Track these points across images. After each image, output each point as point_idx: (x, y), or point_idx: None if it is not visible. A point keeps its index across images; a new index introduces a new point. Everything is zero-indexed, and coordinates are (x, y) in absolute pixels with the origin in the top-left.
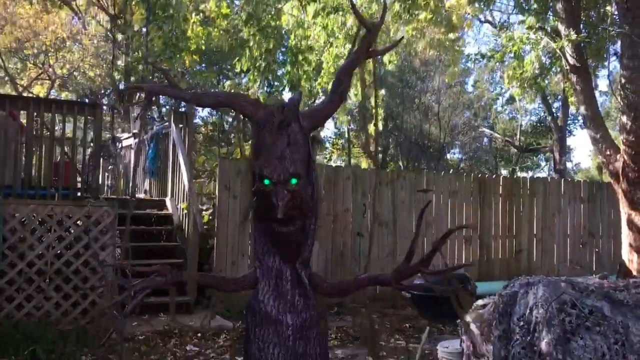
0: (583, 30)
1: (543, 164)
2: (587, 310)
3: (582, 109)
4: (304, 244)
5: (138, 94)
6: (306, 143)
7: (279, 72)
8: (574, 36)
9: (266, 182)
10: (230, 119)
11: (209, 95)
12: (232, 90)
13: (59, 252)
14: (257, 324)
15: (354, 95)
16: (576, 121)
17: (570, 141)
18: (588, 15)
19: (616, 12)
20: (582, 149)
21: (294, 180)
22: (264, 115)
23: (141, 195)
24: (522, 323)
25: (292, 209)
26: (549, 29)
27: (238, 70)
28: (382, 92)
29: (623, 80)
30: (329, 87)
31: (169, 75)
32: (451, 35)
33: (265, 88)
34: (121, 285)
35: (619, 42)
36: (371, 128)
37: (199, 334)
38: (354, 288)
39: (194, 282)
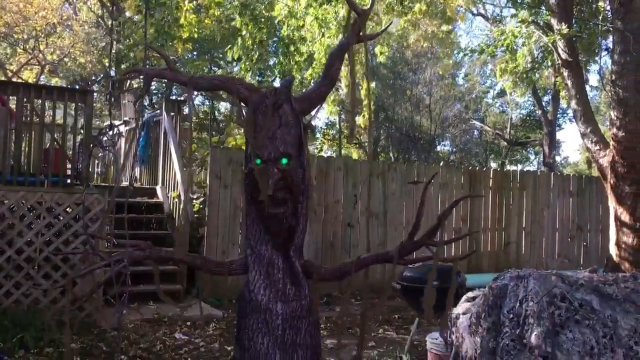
0: (575, 25)
1: (532, 157)
2: (576, 304)
3: (573, 103)
4: (295, 228)
5: (129, 82)
6: (298, 125)
7: (271, 62)
8: (565, 30)
9: (258, 161)
10: (222, 108)
11: (205, 79)
12: None
13: (48, 239)
14: (247, 313)
15: (344, 86)
16: (565, 115)
17: (559, 135)
18: (580, 10)
19: (609, 8)
20: (570, 143)
21: (284, 160)
22: (258, 98)
23: (126, 184)
24: (511, 316)
25: (282, 189)
26: (541, 22)
27: (230, 58)
28: (373, 84)
29: (614, 76)
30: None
31: (167, 58)
32: (444, 28)
33: (257, 78)
34: (101, 256)
35: (611, 38)
36: (360, 120)
37: (188, 323)
38: (356, 268)
39: (180, 262)
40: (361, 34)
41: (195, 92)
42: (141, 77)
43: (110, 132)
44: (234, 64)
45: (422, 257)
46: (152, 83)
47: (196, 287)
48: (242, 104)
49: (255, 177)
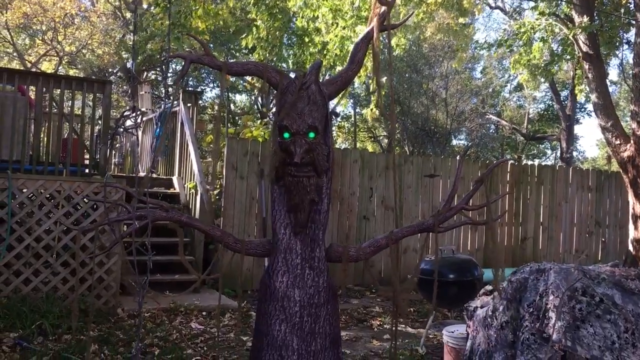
0: (596, 18)
1: (549, 152)
2: (598, 298)
3: (594, 97)
4: (319, 208)
5: (146, 73)
6: (324, 106)
7: (285, 54)
8: (587, 23)
9: (286, 135)
10: (237, 101)
11: (239, 64)
12: None
13: (66, 228)
14: (266, 299)
15: (357, 78)
16: (584, 110)
17: (576, 130)
18: (602, 3)
19: (631, 0)
20: (588, 138)
21: (311, 134)
22: (287, 81)
23: (143, 174)
24: (531, 309)
25: (308, 163)
26: (561, 15)
27: (243, 45)
28: (384, 79)
29: (636, 69)
30: (334, 69)
31: (204, 44)
32: (461, 20)
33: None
34: (125, 207)
35: (632, 31)
36: (367, 112)
37: (204, 313)
38: (389, 242)
39: (198, 229)
40: (385, 23)
41: (214, 83)
42: (179, 63)
43: (133, 115)
44: (250, 56)
45: (459, 222)
46: (169, 75)
47: (212, 278)
48: (273, 88)
49: (282, 151)
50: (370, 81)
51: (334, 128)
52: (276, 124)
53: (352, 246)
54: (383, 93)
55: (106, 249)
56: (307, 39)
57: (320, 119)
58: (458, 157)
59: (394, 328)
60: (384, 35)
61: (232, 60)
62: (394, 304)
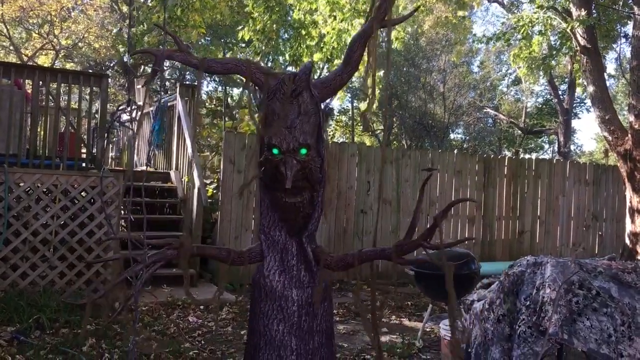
0: (594, 12)
1: (546, 146)
2: (594, 292)
3: (591, 90)
4: (311, 216)
5: (143, 67)
6: (317, 113)
7: (281, 47)
8: (585, 17)
9: (275, 151)
10: (234, 95)
11: (219, 62)
12: None
13: (63, 222)
14: (262, 299)
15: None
16: (583, 105)
17: (574, 124)
18: None
19: None
20: (585, 132)
21: (303, 151)
22: (275, 83)
23: (142, 168)
24: (528, 303)
25: (300, 179)
26: (559, 8)
27: (240, 37)
28: (381, 73)
29: (633, 62)
30: (331, 62)
31: (178, 40)
32: (460, 13)
33: (268, 63)
34: (134, 258)
35: (630, 24)
36: (362, 105)
37: (202, 307)
38: (358, 261)
39: (210, 257)
40: (386, 18)
41: (209, 77)
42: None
43: (129, 109)
44: (247, 50)
45: (418, 258)
46: (165, 68)
47: (209, 272)
48: (257, 88)
49: (271, 167)
50: (367, 75)
51: (331, 122)
52: (263, 138)
53: (329, 255)
54: (379, 88)
55: (114, 302)
56: (303, 32)
57: (312, 131)
58: (421, 183)
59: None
60: (383, 32)
61: (211, 58)
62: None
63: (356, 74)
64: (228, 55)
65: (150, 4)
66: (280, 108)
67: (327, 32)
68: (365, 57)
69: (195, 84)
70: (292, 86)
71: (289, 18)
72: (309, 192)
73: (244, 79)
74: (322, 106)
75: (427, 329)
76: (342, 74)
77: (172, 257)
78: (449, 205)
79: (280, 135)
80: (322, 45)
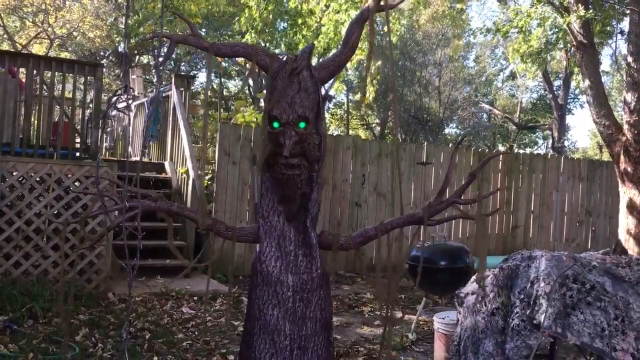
0: (590, 7)
1: (541, 141)
2: (588, 286)
3: (587, 86)
4: (309, 197)
5: (138, 57)
6: (316, 92)
7: (277, 37)
8: (583, 12)
9: (275, 124)
10: (230, 86)
11: (227, 45)
12: None
13: (56, 211)
14: (258, 284)
15: (350, 62)
16: (577, 100)
17: (568, 120)
18: None
19: None
20: (580, 128)
21: (302, 124)
22: (278, 65)
23: (136, 158)
24: (522, 296)
25: (298, 155)
26: (557, 2)
27: (237, 29)
28: (379, 63)
29: (629, 58)
30: (328, 53)
31: (191, 24)
32: (459, 5)
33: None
34: (114, 201)
35: (626, 20)
36: (357, 98)
37: (195, 298)
38: (381, 233)
39: (189, 218)
40: (382, 2)
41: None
42: (163, 44)
43: (125, 95)
44: (242, 40)
45: (450, 216)
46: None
47: (202, 265)
48: (263, 71)
49: (272, 141)
50: (364, 66)
51: (327, 114)
52: (266, 112)
53: (342, 235)
54: (377, 78)
55: (93, 241)
56: (300, 21)
57: (311, 107)
58: (450, 145)
59: (385, 314)
60: (380, 18)
61: (220, 42)
62: (388, 291)
63: (353, 71)
64: None
65: None
66: (281, 85)
67: (324, 23)
68: (365, 60)
69: (191, 74)
70: (293, 65)
71: (286, 6)
72: (306, 170)
73: (248, 65)
74: (322, 90)
75: (421, 322)
76: (341, 55)
77: (150, 207)
78: (483, 162)
79: (281, 108)
80: (318, 35)
